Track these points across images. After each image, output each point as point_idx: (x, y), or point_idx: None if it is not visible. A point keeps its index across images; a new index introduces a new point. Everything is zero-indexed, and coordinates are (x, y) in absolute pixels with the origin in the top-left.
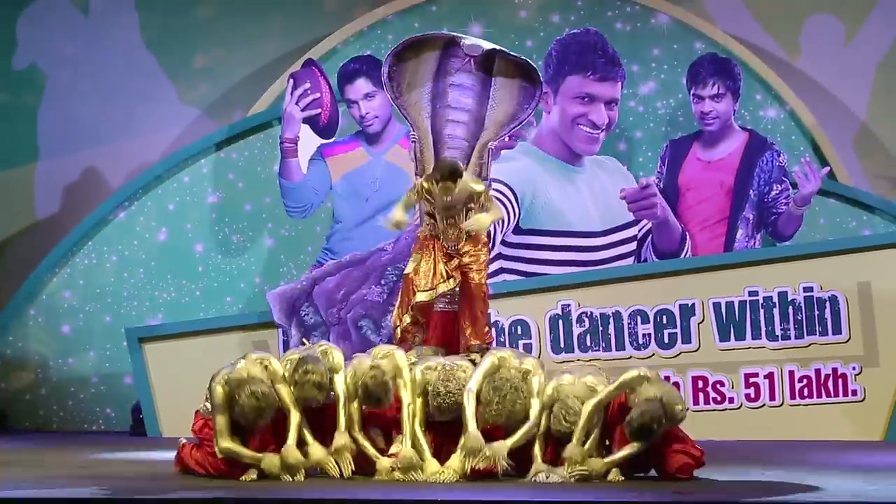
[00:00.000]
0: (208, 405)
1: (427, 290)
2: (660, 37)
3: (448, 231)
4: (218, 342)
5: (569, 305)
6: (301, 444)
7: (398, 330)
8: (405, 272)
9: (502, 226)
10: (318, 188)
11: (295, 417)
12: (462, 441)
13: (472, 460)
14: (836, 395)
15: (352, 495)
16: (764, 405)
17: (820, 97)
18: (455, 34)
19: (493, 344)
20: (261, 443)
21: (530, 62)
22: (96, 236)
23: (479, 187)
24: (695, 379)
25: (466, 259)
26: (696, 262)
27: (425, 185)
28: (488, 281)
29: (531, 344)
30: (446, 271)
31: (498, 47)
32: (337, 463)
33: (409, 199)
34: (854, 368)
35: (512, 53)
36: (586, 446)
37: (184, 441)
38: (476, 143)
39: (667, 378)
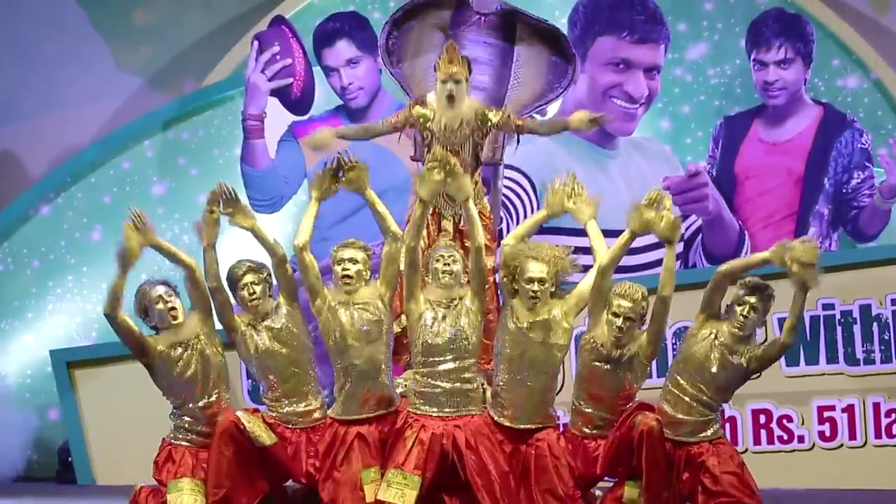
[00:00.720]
0: (177, 434)
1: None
2: None
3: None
4: None
5: None
6: None
7: None
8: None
9: (516, 221)
10: (289, 176)
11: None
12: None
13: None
14: None
15: None
16: (842, 445)
17: None
18: None
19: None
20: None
21: (559, 29)
22: (13, 236)
23: (494, 115)
24: (755, 413)
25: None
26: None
27: (420, 109)
28: None
29: None
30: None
31: (518, 10)
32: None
33: (385, 123)
34: None
35: (535, 16)
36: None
37: (142, 485)
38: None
39: (721, 412)
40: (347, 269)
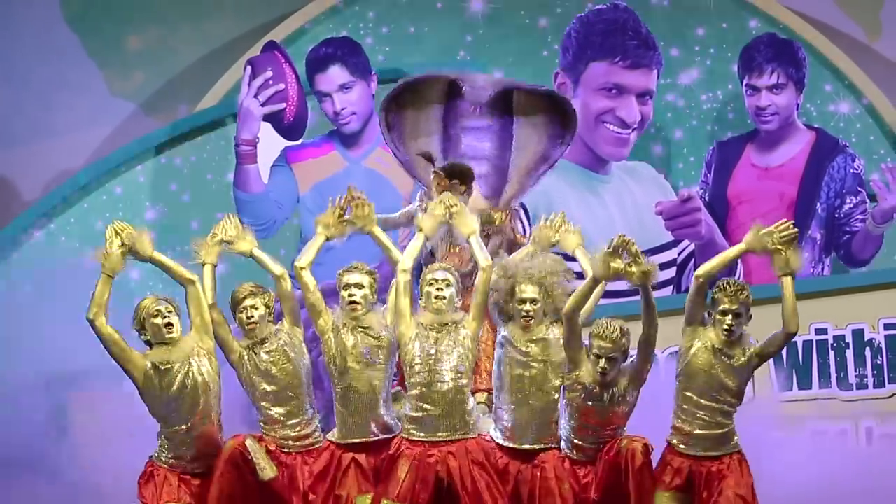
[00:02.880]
0: (160, 454)
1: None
2: (705, 13)
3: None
4: None
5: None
6: None
7: None
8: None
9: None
10: (282, 201)
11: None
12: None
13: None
14: None
15: None
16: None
17: None
18: (457, 75)
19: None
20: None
21: (557, 92)
22: (6, 260)
23: (498, 218)
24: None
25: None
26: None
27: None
28: None
29: None
30: None
31: (510, 82)
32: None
33: (402, 215)
34: None
35: (530, 85)
36: None
37: None
38: (499, 201)
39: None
40: (353, 295)
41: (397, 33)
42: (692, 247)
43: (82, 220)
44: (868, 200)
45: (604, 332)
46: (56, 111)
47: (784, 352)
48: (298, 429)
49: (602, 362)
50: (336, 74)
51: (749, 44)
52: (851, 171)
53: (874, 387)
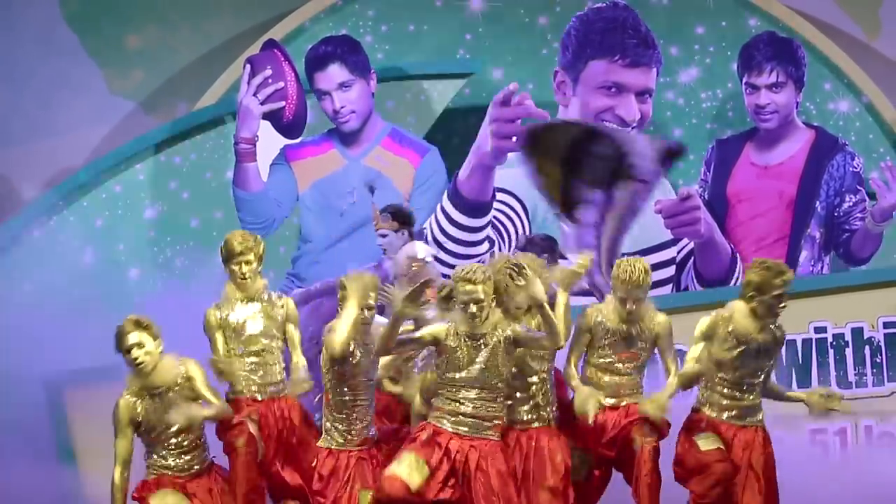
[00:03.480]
0: (150, 472)
1: None
2: (705, 11)
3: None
4: None
5: None
6: None
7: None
8: None
9: (508, 246)
10: (281, 200)
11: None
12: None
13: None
14: None
15: None
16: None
17: None
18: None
19: None
20: None
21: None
22: (6, 258)
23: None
24: None
25: None
26: None
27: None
28: None
29: None
30: None
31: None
32: None
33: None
34: None
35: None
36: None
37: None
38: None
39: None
40: (472, 309)
41: (397, 31)
42: (691, 245)
43: (82, 219)
44: (867, 199)
45: (467, 274)
46: (56, 109)
47: (783, 350)
48: (269, 377)
49: (472, 307)
50: (335, 73)
51: (748, 42)
52: (851, 169)
53: (873, 385)
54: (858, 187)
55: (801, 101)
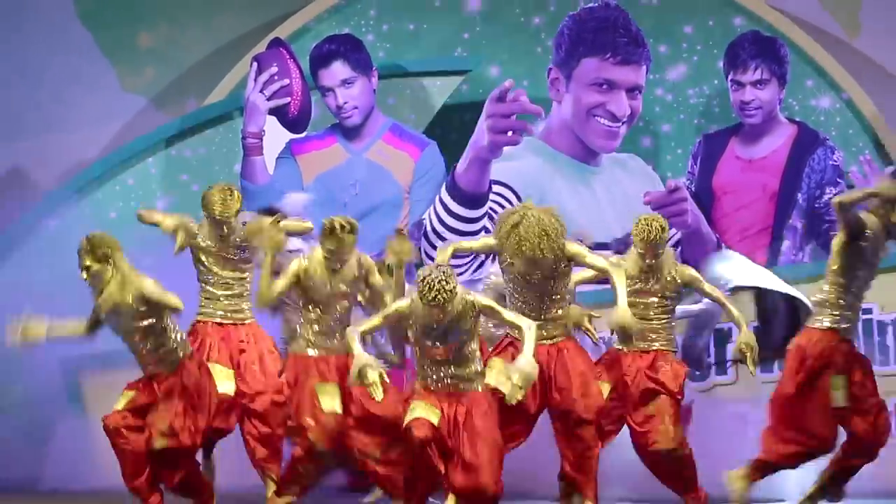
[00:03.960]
0: None
1: None
2: (692, 11)
3: None
4: None
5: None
6: None
7: None
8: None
9: None
10: (286, 191)
11: None
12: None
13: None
14: None
15: None
16: None
17: (883, 83)
18: None
19: None
20: None
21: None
22: (21, 248)
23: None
24: (734, 416)
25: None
26: None
27: None
28: None
29: None
30: None
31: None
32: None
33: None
34: None
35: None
36: None
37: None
38: None
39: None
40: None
41: (397, 30)
42: (679, 235)
43: (96, 210)
44: (848, 190)
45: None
46: (70, 105)
47: None
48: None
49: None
50: (338, 70)
51: (734, 41)
52: (831, 163)
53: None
54: (839, 180)
55: (784, 98)
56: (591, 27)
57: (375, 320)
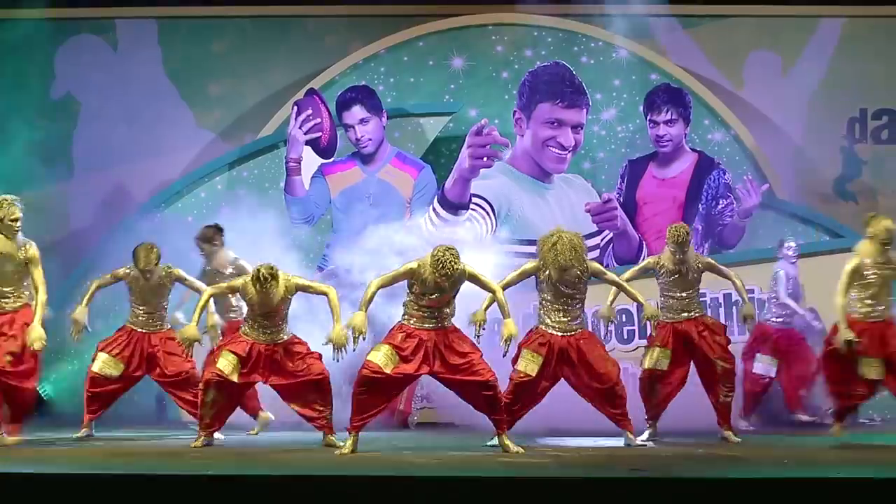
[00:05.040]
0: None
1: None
2: (620, 69)
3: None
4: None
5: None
6: None
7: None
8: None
9: (484, 231)
10: (318, 202)
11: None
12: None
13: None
14: None
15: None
16: None
17: (760, 123)
18: None
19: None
20: None
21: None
22: (122, 247)
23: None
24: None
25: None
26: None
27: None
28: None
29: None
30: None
31: None
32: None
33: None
34: None
35: None
36: None
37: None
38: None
39: (624, 369)
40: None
41: (401, 82)
42: (611, 235)
43: (177, 216)
44: (735, 202)
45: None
46: (158, 139)
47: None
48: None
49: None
50: (357, 112)
51: (651, 90)
52: (723, 181)
53: (738, 334)
54: (728, 194)
55: (688, 133)
56: (545, 80)
57: (391, 274)
